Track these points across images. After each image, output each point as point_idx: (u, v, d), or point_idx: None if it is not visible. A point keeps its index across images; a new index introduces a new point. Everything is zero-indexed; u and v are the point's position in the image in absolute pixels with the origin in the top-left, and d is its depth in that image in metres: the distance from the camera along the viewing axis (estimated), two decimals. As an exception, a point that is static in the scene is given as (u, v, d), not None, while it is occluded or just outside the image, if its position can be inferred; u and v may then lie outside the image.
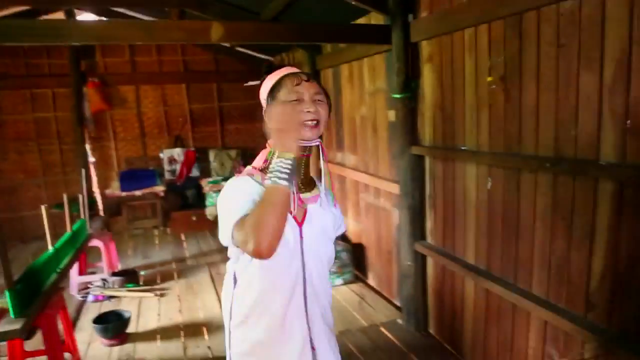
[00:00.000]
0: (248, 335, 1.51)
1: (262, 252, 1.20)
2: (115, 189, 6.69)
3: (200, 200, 6.90)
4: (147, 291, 4.47)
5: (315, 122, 1.41)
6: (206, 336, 3.55)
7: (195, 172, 7.26)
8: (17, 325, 2.43)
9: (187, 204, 6.95)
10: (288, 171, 1.24)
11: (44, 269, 3.03)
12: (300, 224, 1.46)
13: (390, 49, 3.39)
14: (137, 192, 6.68)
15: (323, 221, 1.53)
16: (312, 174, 1.59)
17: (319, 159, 1.51)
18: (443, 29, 2.92)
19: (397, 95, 3.34)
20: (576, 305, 2.15)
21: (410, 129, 3.37)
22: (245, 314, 1.49)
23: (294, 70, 1.52)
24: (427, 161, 3.31)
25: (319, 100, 1.45)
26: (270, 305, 1.47)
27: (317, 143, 1.45)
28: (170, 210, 6.82)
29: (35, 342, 3.54)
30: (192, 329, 3.67)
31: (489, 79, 2.54)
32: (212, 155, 7.32)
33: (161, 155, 7.23)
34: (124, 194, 6.64)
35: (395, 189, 3.55)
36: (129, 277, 4.71)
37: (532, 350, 2.44)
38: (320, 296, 1.54)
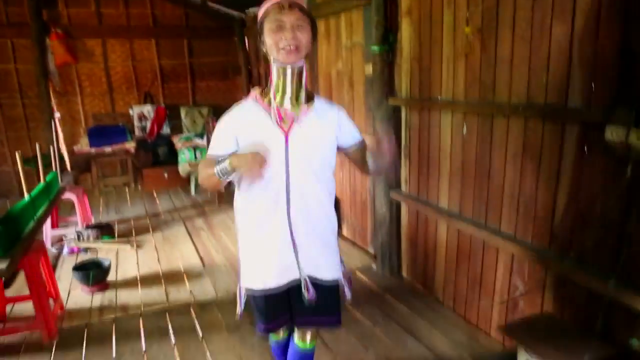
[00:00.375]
0: (247, 231, 1.81)
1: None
2: (84, 145, 6.54)
3: (172, 157, 6.85)
4: (124, 242, 4.49)
5: (293, 47, 1.61)
6: (187, 283, 3.64)
7: (166, 130, 7.17)
8: (2, 265, 2.45)
9: (158, 161, 6.89)
10: (226, 175, 1.63)
11: (22, 215, 3.02)
12: (286, 133, 1.69)
13: (370, 2, 3.43)
14: (107, 149, 6.56)
15: (314, 130, 1.73)
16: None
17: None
18: (423, -19, 2.98)
19: (376, 48, 3.41)
20: (541, 239, 2.35)
21: (387, 81, 3.46)
22: (244, 209, 1.78)
23: (277, 0, 1.63)
24: (404, 112, 3.43)
25: (299, 25, 1.62)
26: (258, 203, 1.73)
27: (301, 64, 1.67)
28: (141, 167, 6.76)
29: (15, 290, 3.57)
30: (173, 277, 3.75)
31: (467, 29, 2.64)
32: (183, 112, 7.23)
33: (130, 111, 7.09)
34: (93, 150, 6.51)
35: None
36: (104, 229, 4.71)
37: (500, 283, 2.65)
38: (307, 197, 1.74)
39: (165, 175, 6.72)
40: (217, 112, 7.48)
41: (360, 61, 3.95)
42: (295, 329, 1.95)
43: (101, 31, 6.91)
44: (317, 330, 2.02)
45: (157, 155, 6.92)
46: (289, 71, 1.66)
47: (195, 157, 6.48)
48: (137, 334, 2.92)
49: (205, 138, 6.35)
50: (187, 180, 6.59)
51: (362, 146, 1.87)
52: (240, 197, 1.80)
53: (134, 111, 7.07)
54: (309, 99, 1.75)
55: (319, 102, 1.79)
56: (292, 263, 1.78)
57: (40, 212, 3.40)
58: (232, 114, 1.75)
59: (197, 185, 6.43)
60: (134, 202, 6.13)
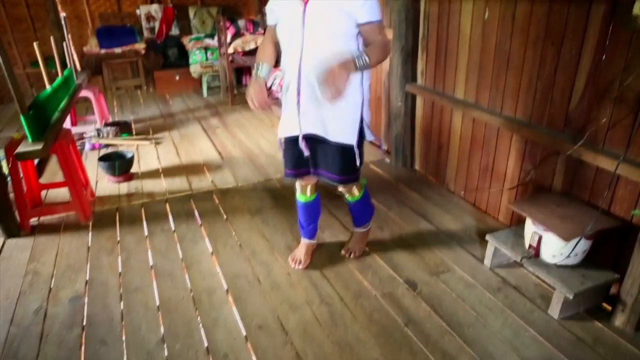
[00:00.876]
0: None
1: None
2: (93, 46, 6.46)
3: (182, 58, 6.77)
4: (143, 139, 4.61)
5: None
6: (207, 173, 3.79)
7: (175, 30, 7.01)
8: (38, 146, 2.57)
9: (169, 63, 6.82)
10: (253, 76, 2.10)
11: (47, 103, 3.09)
12: (305, 2, 1.93)
13: None
14: (117, 50, 6.47)
15: (328, 4, 1.90)
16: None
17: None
18: None
19: None
20: (556, 124, 2.41)
21: (407, -31, 3.33)
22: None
23: None
24: (422, 2, 3.34)
25: None
26: (284, 62, 2.08)
27: None
28: (152, 69, 6.70)
29: (45, 179, 3.75)
30: (193, 168, 3.90)
31: None
32: (191, 12, 7.03)
33: (137, 12, 6.89)
34: (103, 51, 6.43)
35: (388, 34, 3.61)
36: (122, 127, 4.81)
37: (511, 169, 2.76)
38: (318, 61, 1.91)
39: (177, 77, 6.68)
40: (227, 12, 7.26)
41: (378, -52, 3.76)
42: (341, 191, 2.34)
43: None
44: (360, 184, 2.35)
45: (167, 56, 6.83)
46: None
47: (207, 58, 6.40)
48: (165, 216, 3.11)
49: (216, 38, 6.22)
50: (199, 81, 6.57)
51: (368, 30, 1.97)
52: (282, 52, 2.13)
53: (141, 11, 6.87)
54: None
55: None
56: (294, 120, 2.09)
57: (62, 104, 3.47)
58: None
59: (208, 87, 6.42)
60: (147, 104, 6.17)
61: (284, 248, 2.69)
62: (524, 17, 2.50)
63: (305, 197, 2.39)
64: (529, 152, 2.61)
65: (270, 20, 2.16)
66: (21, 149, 2.57)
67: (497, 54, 2.73)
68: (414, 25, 3.43)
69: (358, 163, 2.18)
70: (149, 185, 3.61)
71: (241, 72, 6.57)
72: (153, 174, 3.81)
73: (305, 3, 1.93)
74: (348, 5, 1.89)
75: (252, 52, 5.70)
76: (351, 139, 2.10)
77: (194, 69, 6.42)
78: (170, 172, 3.85)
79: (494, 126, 2.82)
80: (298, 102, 2.05)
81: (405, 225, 2.91)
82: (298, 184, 2.37)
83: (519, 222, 2.64)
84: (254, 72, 2.13)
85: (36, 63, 6.16)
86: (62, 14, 6.64)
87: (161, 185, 3.60)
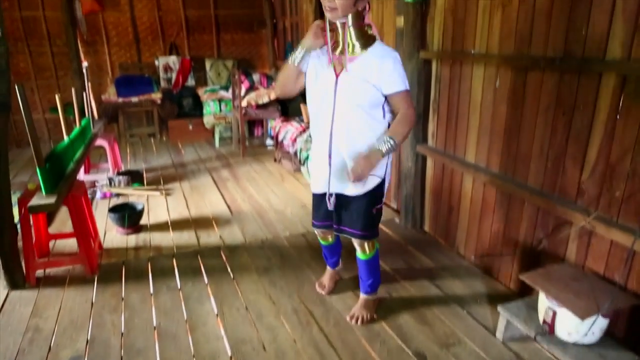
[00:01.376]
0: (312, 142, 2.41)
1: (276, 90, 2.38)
2: (111, 95, 6.64)
3: (196, 108, 6.93)
4: (153, 190, 4.64)
5: (330, 8, 2.02)
6: (216, 228, 3.78)
7: (190, 81, 7.22)
8: (51, 200, 2.59)
9: (183, 113, 6.97)
10: (296, 59, 2.20)
11: (64, 155, 3.15)
12: (337, 75, 2.14)
13: (405, -49, 3.36)
14: (134, 99, 6.65)
15: (360, 75, 2.10)
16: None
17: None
18: None
19: (409, 0, 3.36)
20: (568, 193, 2.39)
21: (419, 33, 3.43)
22: (310, 125, 2.37)
23: None
24: (434, 65, 3.41)
25: None
26: (314, 124, 2.30)
27: (344, 21, 2.08)
28: (166, 118, 6.85)
29: (54, 228, 3.76)
30: (202, 222, 3.89)
31: (507, -21, 2.59)
32: (208, 64, 7.25)
33: (156, 62, 7.13)
34: (120, 99, 6.61)
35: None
36: (134, 177, 4.86)
37: (522, 236, 2.72)
38: (349, 128, 2.17)
39: (190, 126, 6.81)
40: (242, 65, 7.49)
41: (392, 13, 3.90)
42: (355, 245, 2.50)
43: (127, -21, 6.88)
44: (373, 243, 2.49)
45: (182, 106, 6.99)
46: (339, 24, 2.09)
47: (220, 109, 6.54)
48: (171, 272, 3.08)
49: (230, 91, 6.38)
50: (212, 132, 6.68)
51: (397, 99, 2.17)
52: (310, 114, 2.33)
53: (160, 62, 7.11)
54: (366, 46, 2.12)
55: (374, 49, 2.13)
56: (326, 177, 2.31)
57: (78, 154, 3.53)
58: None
59: (221, 137, 6.52)
60: (160, 152, 6.27)
61: (291, 312, 2.63)
62: (534, 86, 2.54)
63: (326, 242, 2.72)
64: (541, 220, 2.58)
65: (297, 60, 2.18)
66: (35, 202, 2.59)
67: (508, 120, 2.75)
68: (426, 87, 3.49)
69: (377, 220, 2.43)
70: (157, 238, 3.60)
71: (253, 124, 6.69)
72: (162, 227, 3.81)
73: (337, 75, 2.14)
74: (377, 77, 2.10)
75: (265, 106, 5.82)
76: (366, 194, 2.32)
77: (208, 119, 6.55)
78: (179, 225, 3.84)
79: (505, 192, 2.80)
80: (329, 164, 2.28)
81: (414, 290, 2.85)
82: (321, 232, 2.64)
83: (532, 291, 2.57)
84: (291, 57, 2.21)
85: (55, 109, 6.36)
86: (85, 64, 6.91)
87: (169, 239, 3.59)
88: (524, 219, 2.71)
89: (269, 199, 4.41)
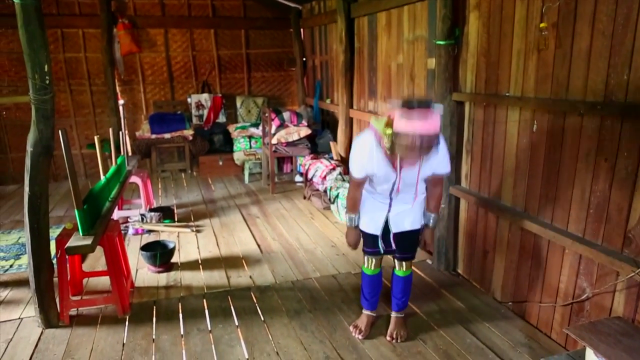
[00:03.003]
0: (366, 200, 2.67)
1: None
2: (145, 131, 6.83)
3: (227, 145, 7.04)
4: (184, 227, 4.69)
5: (415, 162, 2.33)
6: (246, 267, 3.77)
7: (221, 118, 7.37)
8: (87, 241, 2.63)
9: (214, 149, 7.09)
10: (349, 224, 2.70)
11: (100, 195, 3.22)
12: (399, 171, 2.39)
13: (436, -5, 3.41)
14: (167, 135, 6.81)
15: (417, 170, 2.39)
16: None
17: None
18: (494, -25, 2.94)
19: (441, 42, 3.38)
20: (613, 242, 2.30)
21: (451, 76, 3.44)
22: (367, 192, 2.66)
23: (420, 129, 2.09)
24: (467, 107, 3.40)
25: (427, 147, 2.11)
26: (375, 191, 2.59)
27: None
28: (197, 154, 6.98)
29: (88, 266, 3.81)
30: (232, 261, 3.89)
31: (543, 25, 2.58)
32: (238, 101, 7.41)
33: (189, 100, 7.33)
34: (153, 136, 6.78)
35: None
36: (165, 213, 4.92)
37: (564, 284, 2.61)
38: (406, 195, 2.55)
39: (220, 162, 6.92)
40: (272, 102, 7.63)
41: (423, 55, 3.93)
42: (395, 263, 2.78)
43: (164, 21, 7.16)
44: (410, 263, 2.78)
45: (213, 142, 7.12)
46: None
47: (250, 146, 6.63)
48: (202, 314, 3.06)
49: (260, 128, 6.48)
50: (241, 168, 6.76)
51: (440, 177, 2.57)
52: (368, 186, 2.61)
53: (192, 99, 7.30)
54: None
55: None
56: (382, 224, 2.66)
57: (113, 193, 3.61)
58: (361, 152, 2.42)
59: (250, 173, 6.59)
60: (190, 187, 6.36)
61: (323, 359, 2.57)
62: (573, 131, 2.49)
63: (370, 271, 2.77)
64: (585, 269, 2.48)
65: (359, 174, 2.48)
66: (72, 243, 2.64)
67: (546, 165, 2.69)
68: (459, 129, 3.47)
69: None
70: (188, 277, 3.61)
71: (282, 160, 6.75)
72: (192, 265, 3.82)
73: (399, 172, 2.40)
74: (438, 159, 2.35)
75: (295, 143, 5.88)
76: (419, 225, 2.71)
77: (238, 156, 6.64)
78: (209, 263, 3.85)
79: (544, 237, 2.71)
80: (389, 212, 2.63)
81: (449, 338, 2.75)
82: (367, 258, 2.75)
83: (575, 343, 2.45)
84: (349, 223, 2.68)
85: (92, 145, 6.56)
86: (121, 101, 7.16)
87: (200, 278, 3.59)
88: (565, 266, 2.61)
89: (298, 237, 4.39)
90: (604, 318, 2.29)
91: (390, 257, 2.83)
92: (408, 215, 2.65)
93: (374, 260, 2.75)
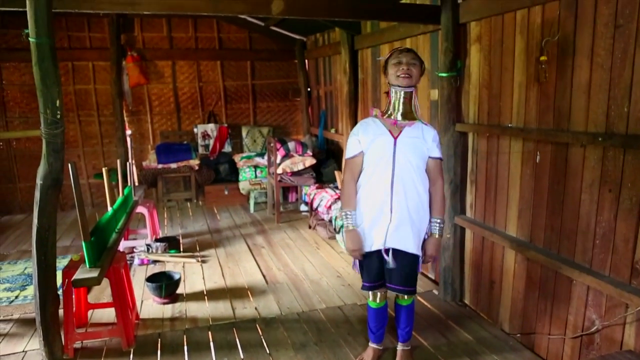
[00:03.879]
0: (361, 205, 2.52)
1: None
2: (152, 161, 6.90)
3: (232, 174, 7.09)
4: (190, 257, 4.69)
5: (406, 75, 2.39)
6: (251, 299, 3.75)
7: (227, 148, 7.45)
8: (94, 274, 2.64)
9: (219, 178, 7.14)
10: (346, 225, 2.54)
11: (107, 227, 3.24)
12: (395, 138, 2.44)
13: (438, 29, 3.49)
14: (173, 165, 6.88)
15: (414, 139, 2.45)
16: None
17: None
18: (494, 10, 3.02)
19: (444, 74, 3.45)
20: (620, 273, 2.28)
21: (454, 107, 3.49)
22: (362, 189, 2.53)
23: (399, 47, 2.52)
24: (471, 138, 3.43)
25: (412, 63, 2.43)
26: (370, 184, 2.48)
27: (412, 90, 2.46)
28: (203, 183, 7.03)
29: (93, 297, 3.81)
30: (237, 292, 3.87)
31: (543, 58, 2.64)
32: (244, 131, 7.50)
33: (195, 130, 7.42)
34: (160, 166, 6.85)
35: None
36: (171, 243, 4.93)
37: (573, 316, 2.58)
38: (406, 186, 2.44)
39: (226, 192, 6.96)
40: (277, 132, 7.71)
41: (425, 86, 4.00)
42: (396, 294, 2.63)
43: (172, 54, 7.33)
44: (414, 292, 2.64)
45: (219, 172, 7.17)
46: (401, 94, 2.44)
47: (256, 176, 6.68)
48: (207, 346, 3.04)
49: (265, 157, 6.54)
50: (247, 197, 6.79)
51: (434, 163, 2.54)
52: (362, 179, 2.53)
53: (198, 129, 7.40)
54: (415, 118, 2.48)
55: (421, 122, 2.51)
56: (385, 232, 2.45)
57: (120, 224, 3.64)
58: (357, 127, 2.58)
59: (256, 202, 6.62)
60: (196, 217, 6.38)
61: (329, 394, 2.54)
62: (576, 161, 2.51)
63: (375, 304, 2.70)
64: (593, 300, 2.46)
65: (353, 151, 2.52)
66: (79, 275, 2.65)
67: (550, 195, 2.70)
68: (462, 159, 3.50)
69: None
70: (193, 308, 3.59)
71: (287, 190, 6.78)
72: (198, 296, 3.80)
73: (395, 138, 2.44)
74: (427, 142, 2.46)
75: (300, 173, 5.92)
76: (419, 250, 2.56)
77: (243, 185, 6.69)
78: (214, 294, 3.83)
79: (550, 268, 2.70)
80: (390, 219, 2.45)
81: (458, 372, 2.71)
82: (371, 293, 2.68)
83: (587, 377, 2.41)
84: (346, 221, 2.52)
85: (99, 175, 6.62)
86: (129, 132, 7.27)
87: (205, 309, 3.57)
88: (573, 297, 2.59)
89: (304, 268, 4.38)
90: (615, 352, 2.26)
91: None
92: (411, 230, 2.46)
93: (378, 293, 2.67)
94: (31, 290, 3.95)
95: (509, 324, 3.12)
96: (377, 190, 2.46)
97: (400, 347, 2.77)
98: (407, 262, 2.50)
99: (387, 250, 2.47)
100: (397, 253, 2.48)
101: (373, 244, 2.49)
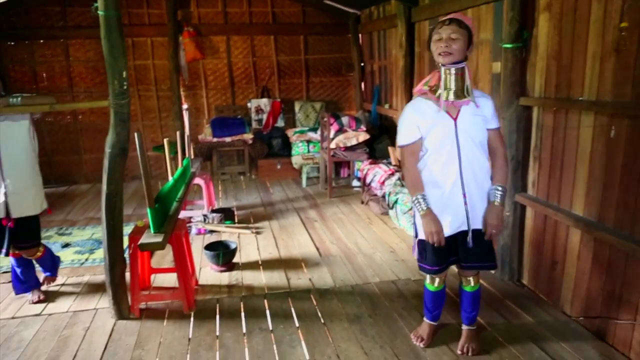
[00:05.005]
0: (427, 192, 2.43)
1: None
2: (207, 135, 7.07)
3: (285, 149, 7.16)
4: (244, 228, 4.81)
5: (446, 52, 2.25)
6: (305, 270, 3.81)
7: (280, 122, 7.51)
8: (159, 239, 2.76)
9: (272, 153, 7.23)
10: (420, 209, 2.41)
11: (168, 195, 3.36)
12: (455, 119, 2.35)
13: (504, -3, 3.32)
14: (227, 139, 7.02)
15: (474, 117, 2.35)
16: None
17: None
18: (568, -25, 2.83)
19: (508, 46, 3.29)
20: (701, 256, 2.14)
21: (518, 80, 3.33)
22: (427, 176, 2.43)
23: (444, 17, 2.32)
24: (535, 112, 3.28)
25: (453, 38, 2.25)
26: (436, 169, 2.38)
27: (463, 65, 2.31)
28: (256, 157, 7.14)
29: (155, 262, 3.99)
30: (292, 263, 3.94)
31: (623, 24, 2.45)
32: (297, 106, 7.52)
33: (248, 104, 7.52)
34: (215, 139, 7.01)
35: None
36: (226, 214, 5.07)
37: (644, 300, 2.46)
38: (473, 165, 2.37)
39: (279, 166, 7.04)
40: (330, 107, 7.68)
41: (487, 59, 3.84)
42: (462, 278, 2.60)
43: (226, 29, 7.40)
44: (478, 275, 2.58)
45: (272, 146, 7.26)
46: (452, 70, 2.29)
47: (308, 150, 6.71)
48: (263, 313, 3.13)
49: (318, 132, 6.54)
50: (299, 172, 6.85)
51: (494, 133, 2.45)
52: (423, 164, 2.43)
53: (252, 104, 7.49)
54: (469, 94, 2.34)
55: (476, 93, 2.39)
56: (463, 216, 2.40)
57: (180, 193, 3.76)
58: (410, 110, 2.44)
59: (308, 177, 6.67)
60: (249, 190, 6.52)
61: (384, 364, 2.56)
62: (656, 137, 2.35)
63: (434, 287, 2.62)
64: (668, 285, 2.32)
65: (412, 137, 2.40)
66: (145, 240, 2.77)
67: (625, 173, 2.55)
68: (525, 135, 3.36)
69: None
70: (249, 277, 3.69)
71: (340, 165, 6.78)
72: (253, 266, 3.91)
73: (455, 119, 2.34)
74: (487, 114, 2.38)
75: (353, 148, 5.89)
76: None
77: (296, 160, 6.74)
78: (269, 265, 3.92)
79: (621, 250, 2.56)
80: (465, 203, 2.38)
81: (516, 352, 2.65)
82: (429, 276, 2.60)
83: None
84: (418, 206, 2.41)
85: (158, 147, 6.87)
86: (185, 106, 7.47)
87: (260, 278, 3.67)
88: (645, 281, 2.45)
89: (357, 242, 4.39)
90: (691, 338, 2.13)
91: (454, 267, 2.63)
92: (484, 207, 2.43)
93: (437, 278, 2.59)
94: (99, 254, 4.19)
95: (570, 307, 3.01)
96: (444, 174, 2.38)
97: (465, 327, 2.69)
98: (483, 239, 2.45)
99: (466, 232, 2.43)
100: (475, 232, 2.44)
101: (445, 228, 2.41)
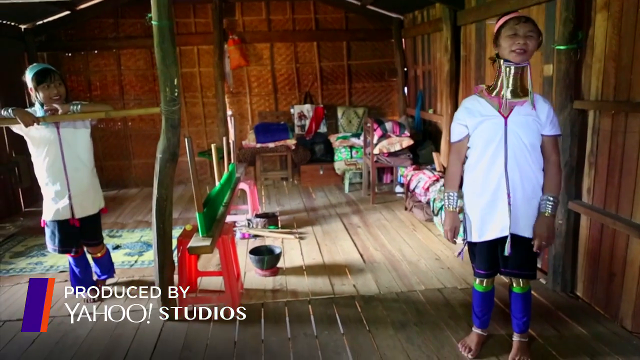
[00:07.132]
0: (472, 193, 2.44)
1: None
2: (251, 141, 7.18)
3: (327, 154, 7.17)
4: (288, 233, 4.83)
5: (522, 50, 2.20)
6: (349, 276, 3.79)
7: (323, 128, 7.53)
8: (207, 242, 2.81)
9: (315, 158, 7.26)
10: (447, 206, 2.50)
11: (216, 200, 3.42)
12: (505, 117, 2.30)
13: (556, -3, 3.21)
14: (271, 145, 7.10)
15: (527, 117, 2.29)
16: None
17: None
18: (628, -28, 2.70)
19: (561, 47, 3.18)
20: None
21: (572, 82, 3.21)
22: (470, 177, 2.44)
23: (516, 15, 2.27)
24: (591, 116, 3.14)
25: (530, 36, 2.21)
26: (481, 169, 2.37)
27: (526, 64, 2.26)
28: (299, 163, 7.18)
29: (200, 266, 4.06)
30: (335, 269, 3.93)
31: (690, 22, 2.32)
32: (339, 112, 7.53)
33: (291, 110, 7.58)
34: (258, 145, 7.11)
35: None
36: (270, 219, 5.12)
37: None
38: (521, 166, 2.30)
39: (321, 171, 7.06)
40: (372, 112, 7.65)
41: (538, 61, 3.72)
42: (512, 279, 2.52)
43: (270, 36, 7.51)
44: (528, 279, 2.50)
45: (314, 152, 7.29)
46: (512, 70, 2.27)
47: (351, 156, 6.69)
48: (307, 319, 3.12)
49: (361, 138, 6.52)
50: (342, 177, 6.84)
51: (549, 140, 2.36)
52: (469, 162, 2.44)
53: (295, 110, 7.55)
54: (527, 92, 2.29)
55: (536, 96, 2.33)
56: (506, 221, 2.33)
57: (226, 198, 3.83)
58: (460, 108, 2.45)
59: (350, 183, 6.65)
60: (292, 195, 6.56)
61: (431, 374, 2.50)
62: None
63: (482, 287, 2.58)
64: None
65: (458, 135, 2.43)
66: (193, 243, 2.83)
67: (691, 180, 2.40)
68: (580, 139, 3.22)
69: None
70: (293, 282, 3.70)
71: (382, 171, 6.72)
72: (297, 271, 3.92)
73: (506, 118, 2.30)
74: (542, 117, 2.29)
75: (396, 153, 5.83)
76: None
77: (338, 165, 6.73)
78: (313, 270, 3.92)
79: (688, 262, 2.41)
80: (509, 204, 2.32)
81: (572, 366, 2.54)
82: (485, 280, 2.56)
83: None
84: (447, 201, 2.48)
85: (203, 153, 7.04)
86: (229, 112, 7.62)
87: (304, 284, 3.67)
88: None
89: (401, 249, 4.33)
90: None
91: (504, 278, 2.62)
92: (530, 214, 2.35)
93: (485, 280, 2.56)
94: (147, 256, 4.32)
95: (631, 321, 2.85)
96: (490, 175, 2.35)
97: (516, 337, 2.59)
98: (525, 247, 2.38)
99: (505, 238, 2.36)
100: (515, 238, 2.36)
101: (489, 231, 2.39)
